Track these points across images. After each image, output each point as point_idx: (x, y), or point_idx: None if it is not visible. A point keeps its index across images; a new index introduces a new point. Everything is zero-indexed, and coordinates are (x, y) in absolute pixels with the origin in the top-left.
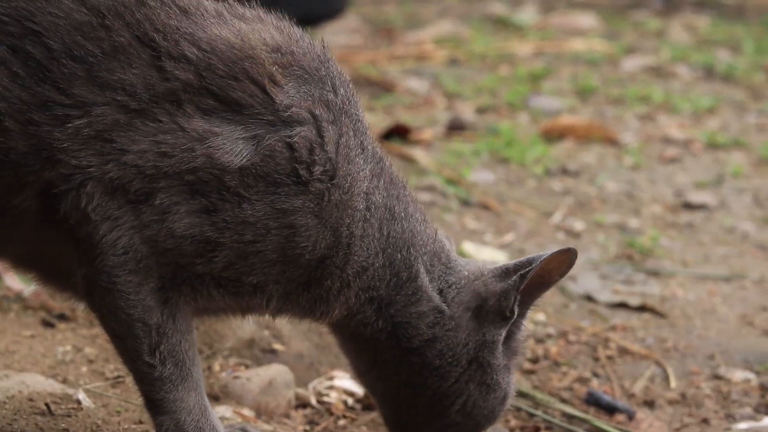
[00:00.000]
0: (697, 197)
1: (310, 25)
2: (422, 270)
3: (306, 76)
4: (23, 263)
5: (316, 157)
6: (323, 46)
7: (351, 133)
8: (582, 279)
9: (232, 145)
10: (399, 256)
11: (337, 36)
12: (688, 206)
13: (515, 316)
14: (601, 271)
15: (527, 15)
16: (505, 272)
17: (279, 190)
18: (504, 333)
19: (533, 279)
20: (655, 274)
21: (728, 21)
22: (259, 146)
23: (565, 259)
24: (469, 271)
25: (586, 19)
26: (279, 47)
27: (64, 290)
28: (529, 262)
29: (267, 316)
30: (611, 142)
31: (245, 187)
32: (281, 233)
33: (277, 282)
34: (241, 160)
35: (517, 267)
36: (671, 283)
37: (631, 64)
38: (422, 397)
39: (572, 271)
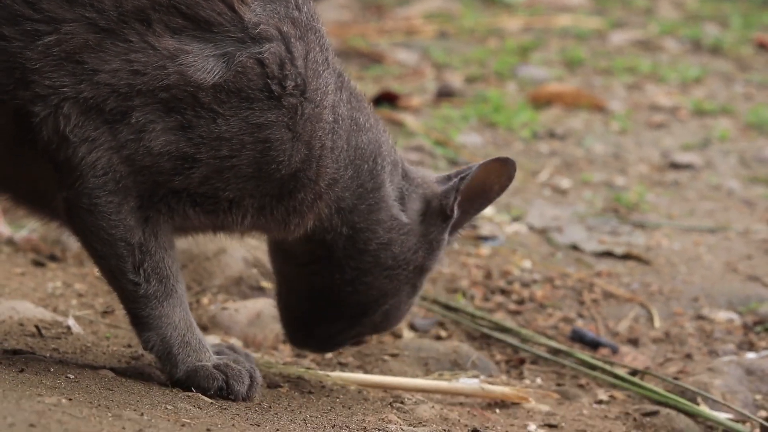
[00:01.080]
0: (683, 158)
1: None
2: (386, 179)
3: None
4: (9, 191)
5: (287, 72)
6: None
7: (317, 49)
8: (568, 230)
9: (203, 63)
10: (366, 166)
11: (327, 12)
12: (675, 166)
13: (454, 217)
14: (587, 223)
15: None
16: (447, 177)
17: (253, 105)
18: (446, 236)
19: (474, 186)
20: (640, 226)
21: None
22: (230, 63)
23: (505, 169)
24: (420, 178)
25: None
26: None
27: (39, 212)
28: (469, 168)
29: (239, 234)
30: (599, 108)
31: (219, 103)
32: (256, 147)
33: (252, 196)
34: (213, 77)
35: (458, 173)
36: (657, 234)
37: (619, 37)
38: (361, 295)
39: (559, 223)
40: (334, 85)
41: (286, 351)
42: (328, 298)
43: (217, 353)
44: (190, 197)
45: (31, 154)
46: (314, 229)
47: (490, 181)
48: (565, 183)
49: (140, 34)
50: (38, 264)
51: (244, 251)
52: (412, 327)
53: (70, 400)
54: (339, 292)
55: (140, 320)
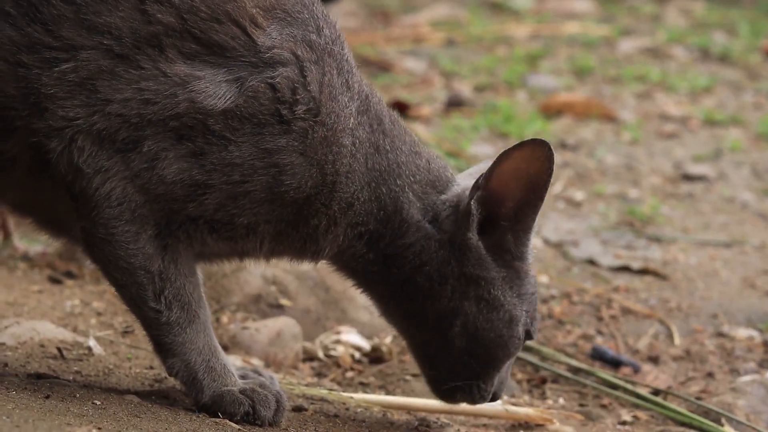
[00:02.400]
0: (696, 169)
1: None
2: (409, 200)
3: (289, 18)
4: (21, 209)
5: (299, 97)
6: None
7: (335, 72)
8: (584, 244)
9: (215, 88)
10: (384, 189)
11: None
12: (688, 177)
13: (473, 213)
14: (602, 236)
15: (523, 0)
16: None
17: (263, 131)
18: (474, 235)
19: (505, 178)
20: (656, 239)
21: (723, 5)
22: (242, 88)
23: (537, 152)
24: (461, 187)
25: (582, 4)
26: None
27: (61, 236)
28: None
29: (263, 259)
30: (609, 118)
31: (230, 129)
32: (268, 172)
33: (267, 222)
34: (225, 102)
35: (483, 169)
36: (672, 248)
37: (628, 45)
38: (425, 325)
39: (574, 237)
40: (356, 109)
41: (306, 370)
42: (413, 337)
43: (242, 377)
44: (206, 224)
45: (48, 183)
46: (345, 258)
47: (525, 169)
48: (578, 195)
49: (153, 59)
50: (55, 281)
51: (264, 268)
52: None
53: (100, 429)
54: (411, 327)
55: (163, 347)
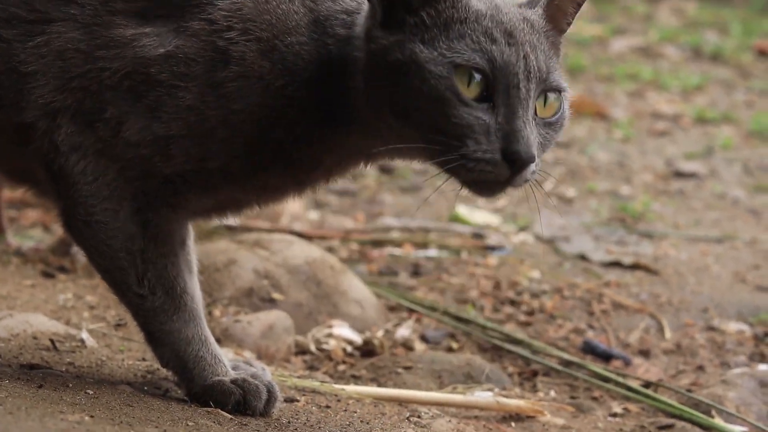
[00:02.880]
0: (687, 166)
1: None
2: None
3: None
4: (14, 177)
5: (232, 23)
6: None
7: None
8: (575, 240)
9: (160, 39)
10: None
11: None
12: (679, 174)
13: None
14: (594, 233)
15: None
16: None
17: (206, 66)
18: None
19: None
20: (647, 236)
21: (715, 4)
22: (182, 30)
23: None
24: None
25: None
26: None
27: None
28: None
29: (261, 202)
30: (601, 116)
31: (176, 75)
32: (220, 105)
33: (237, 157)
34: (166, 48)
35: None
36: (663, 244)
37: (620, 44)
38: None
39: (566, 233)
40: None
41: (298, 363)
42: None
43: (234, 368)
44: (181, 180)
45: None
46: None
47: None
48: (570, 192)
49: (106, 27)
50: (48, 275)
51: (256, 262)
52: (424, 338)
53: (92, 417)
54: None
55: (153, 336)
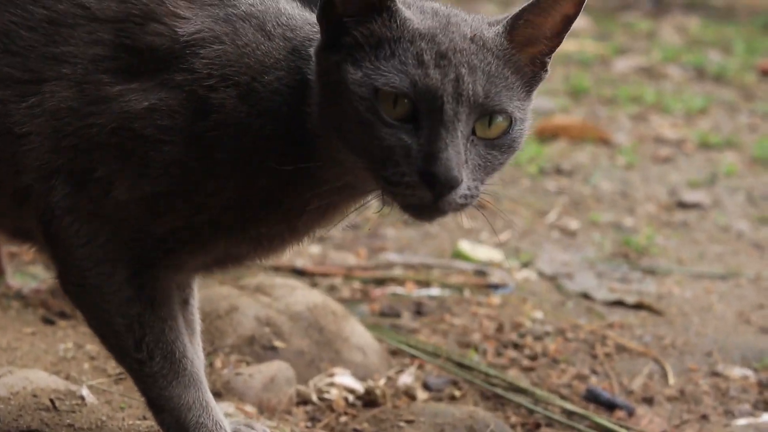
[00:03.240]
0: (690, 196)
1: None
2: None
3: (210, 2)
4: (17, 237)
5: (212, 71)
6: None
7: (251, 32)
8: (578, 277)
9: (146, 94)
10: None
11: None
12: (682, 205)
13: None
14: (597, 269)
15: None
16: None
17: (188, 117)
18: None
19: None
20: (651, 272)
21: (718, 22)
22: (166, 83)
23: None
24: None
25: (578, 21)
26: None
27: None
28: None
29: (260, 254)
30: (604, 141)
31: (160, 129)
32: (203, 155)
33: (227, 208)
34: (150, 101)
35: None
36: (667, 281)
37: (623, 64)
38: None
39: (569, 269)
40: (276, 47)
41: (300, 415)
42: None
43: (234, 431)
44: (175, 240)
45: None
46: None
47: None
48: (573, 224)
49: (95, 85)
50: (48, 322)
51: (257, 309)
52: (426, 386)
53: None
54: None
55: (153, 401)
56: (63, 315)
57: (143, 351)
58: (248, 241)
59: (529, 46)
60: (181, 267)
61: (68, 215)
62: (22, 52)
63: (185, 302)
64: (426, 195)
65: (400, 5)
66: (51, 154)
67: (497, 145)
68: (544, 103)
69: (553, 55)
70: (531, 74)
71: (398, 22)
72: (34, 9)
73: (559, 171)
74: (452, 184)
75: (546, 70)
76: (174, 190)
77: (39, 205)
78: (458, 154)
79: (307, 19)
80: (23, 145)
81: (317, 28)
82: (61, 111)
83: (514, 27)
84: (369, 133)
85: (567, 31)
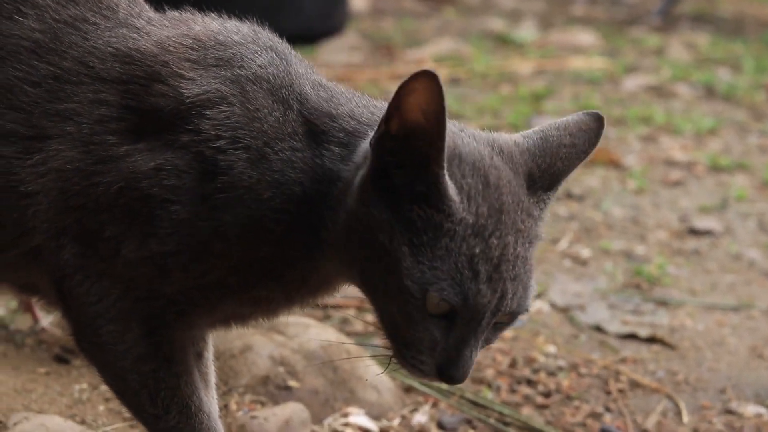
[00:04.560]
0: (702, 223)
1: (310, 42)
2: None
3: (213, 62)
4: (27, 291)
5: (221, 132)
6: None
7: (261, 95)
8: (590, 309)
9: (153, 154)
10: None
11: (337, 54)
12: (694, 232)
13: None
14: (609, 300)
15: (527, 32)
16: None
17: (195, 178)
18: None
19: (403, 127)
20: (663, 303)
21: (727, 37)
22: (171, 143)
23: (421, 84)
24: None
25: (586, 36)
26: (197, 44)
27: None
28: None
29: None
30: (615, 164)
31: (167, 189)
32: (212, 216)
33: (233, 269)
34: (155, 161)
35: None
36: (680, 312)
37: (632, 83)
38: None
39: (581, 301)
40: (283, 114)
41: None
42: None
43: None
44: (185, 300)
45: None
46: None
47: (417, 107)
48: (585, 252)
49: (101, 145)
50: (63, 360)
51: (271, 348)
52: (440, 425)
53: None
54: None
55: None
56: (76, 353)
57: (159, 406)
58: (249, 302)
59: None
60: (193, 326)
61: (79, 273)
62: (26, 108)
63: (199, 355)
64: (435, 379)
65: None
66: (58, 214)
67: (503, 325)
68: None
69: (561, 73)
70: None
71: (451, 211)
72: (38, 65)
73: (569, 196)
74: (461, 382)
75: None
76: (182, 250)
77: (49, 264)
78: (474, 356)
79: (352, 110)
80: (30, 206)
81: (339, 123)
82: (67, 171)
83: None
84: (404, 317)
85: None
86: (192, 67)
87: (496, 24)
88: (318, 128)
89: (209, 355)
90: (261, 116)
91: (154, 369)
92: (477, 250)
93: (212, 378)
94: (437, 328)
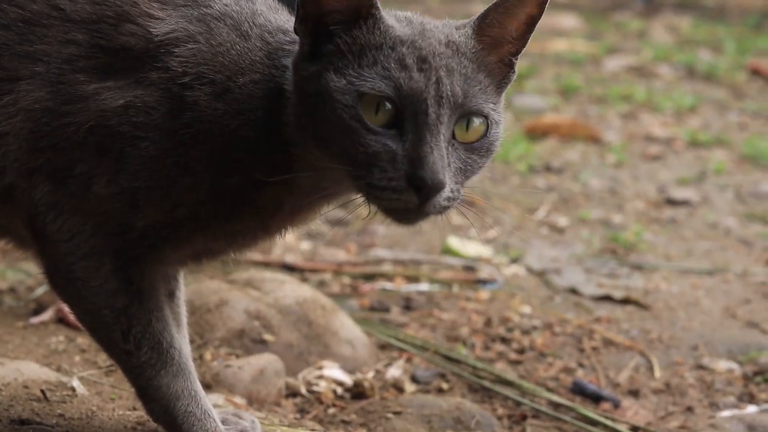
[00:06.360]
0: (679, 193)
1: None
2: None
3: (184, 2)
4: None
5: (188, 68)
6: None
7: (225, 32)
8: (566, 272)
9: (122, 91)
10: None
11: None
12: (671, 202)
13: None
14: (585, 265)
15: None
16: None
17: (164, 114)
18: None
19: None
20: (638, 268)
21: (709, 21)
22: (141, 81)
23: None
24: None
25: (569, 20)
26: None
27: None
28: None
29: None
30: (594, 140)
31: (136, 126)
32: (179, 152)
33: (202, 203)
34: (124, 99)
35: None
36: (655, 276)
37: (614, 64)
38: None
39: (557, 265)
40: (253, 46)
41: (288, 407)
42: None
43: (223, 421)
44: (156, 234)
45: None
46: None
47: None
48: (562, 221)
49: (71, 84)
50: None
51: (247, 303)
52: (414, 379)
53: None
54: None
55: (142, 391)
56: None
57: (131, 342)
58: (224, 236)
59: (497, 47)
60: (164, 261)
61: (51, 211)
62: None
63: (171, 294)
64: (412, 199)
65: (383, 13)
66: (29, 154)
67: (476, 149)
68: (535, 101)
69: (544, 55)
70: (501, 76)
71: (381, 29)
72: (7, 8)
73: (548, 169)
74: (438, 187)
75: (514, 71)
76: (151, 185)
77: (23, 203)
78: (442, 157)
79: (280, 26)
80: (1, 146)
81: (290, 36)
82: (36, 111)
83: (481, 28)
84: (353, 140)
85: (532, 32)
86: (161, 7)
87: (480, 10)
88: (272, 46)
89: (181, 294)
90: (224, 51)
91: (126, 304)
92: (404, 50)
93: (184, 318)
94: (388, 138)
